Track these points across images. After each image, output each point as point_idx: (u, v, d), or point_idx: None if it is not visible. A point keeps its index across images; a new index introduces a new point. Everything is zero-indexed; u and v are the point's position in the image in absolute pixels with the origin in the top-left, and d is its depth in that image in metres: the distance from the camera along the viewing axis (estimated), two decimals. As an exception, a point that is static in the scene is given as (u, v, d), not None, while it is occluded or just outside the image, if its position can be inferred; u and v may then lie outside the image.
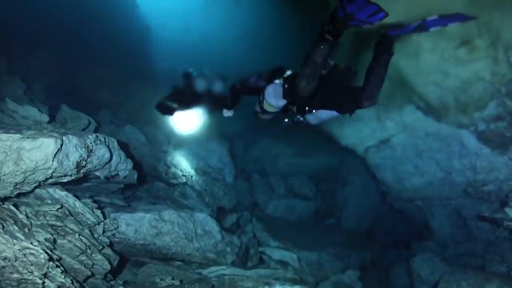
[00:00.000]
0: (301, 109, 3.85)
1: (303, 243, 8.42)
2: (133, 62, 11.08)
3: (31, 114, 4.93)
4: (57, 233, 3.95)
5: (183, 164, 8.30)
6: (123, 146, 5.31)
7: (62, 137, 3.84)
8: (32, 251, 3.30)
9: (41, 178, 3.85)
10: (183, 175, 8.01)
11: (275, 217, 9.97)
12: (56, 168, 3.82)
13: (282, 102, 3.89)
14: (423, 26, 3.15)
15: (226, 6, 12.90)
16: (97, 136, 4.47)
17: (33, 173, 3.72)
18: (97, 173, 4.77)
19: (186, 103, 5.29)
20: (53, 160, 3.73)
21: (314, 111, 3.79)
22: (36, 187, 4.06)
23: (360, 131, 8.19)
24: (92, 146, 4.32)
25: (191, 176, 8.19)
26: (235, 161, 10.42)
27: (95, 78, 10.32)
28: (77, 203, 4.34)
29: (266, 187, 10.99)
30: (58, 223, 3.97)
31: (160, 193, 7.57)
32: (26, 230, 3.62)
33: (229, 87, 4.58)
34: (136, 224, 4.97)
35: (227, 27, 12.90)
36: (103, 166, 4.69)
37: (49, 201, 4.15)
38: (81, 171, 4.23)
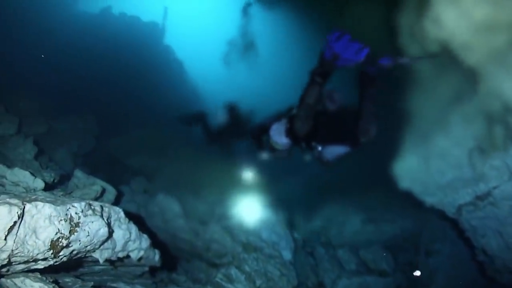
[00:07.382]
0: (308, 145, 3.91)
1: (386, 337, 6.42)
2: (173, 124, 10.39)
3: (22, 180, 3.95)
4: None
5: (228, 239, 6.85)
6: (137, 218, 4.09)
7: (24, 204, 2.68)
8: None
9: (-6, 265, 2.66)
10: (228, 253, 6.55)
11: (347, 301, 8.00)
12: (13, 250, 2.63)
13: (286, 140, 4.00)
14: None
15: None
16: (89, 205, 3.27)
17: (-23, 260, 2.54)
18: (95, 255, 3.51)
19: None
20: (5, 239, 2.54)
21: (320, 147, 3.83)
22: (-3, 279, 2.88)
23: (450, 185, 6.34)
24: (79, 218, 3.11)
25: (238, 254, 6.68)
26: (293, 232, 8.84)
27: (131, 142, 9.61)
28: (57, 301, 3.05)
29: (334, 262, 9.10)
30: (17, 337, 2.67)
31: (200, 276, 6.22)
32: None
33: (249, 134, 4.71)
34: (148, 328, 3.53)
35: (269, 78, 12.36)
36: (101, 246, 3.43)
37: (15, 300, 2.91)
38: (61, 253, 3.00)
